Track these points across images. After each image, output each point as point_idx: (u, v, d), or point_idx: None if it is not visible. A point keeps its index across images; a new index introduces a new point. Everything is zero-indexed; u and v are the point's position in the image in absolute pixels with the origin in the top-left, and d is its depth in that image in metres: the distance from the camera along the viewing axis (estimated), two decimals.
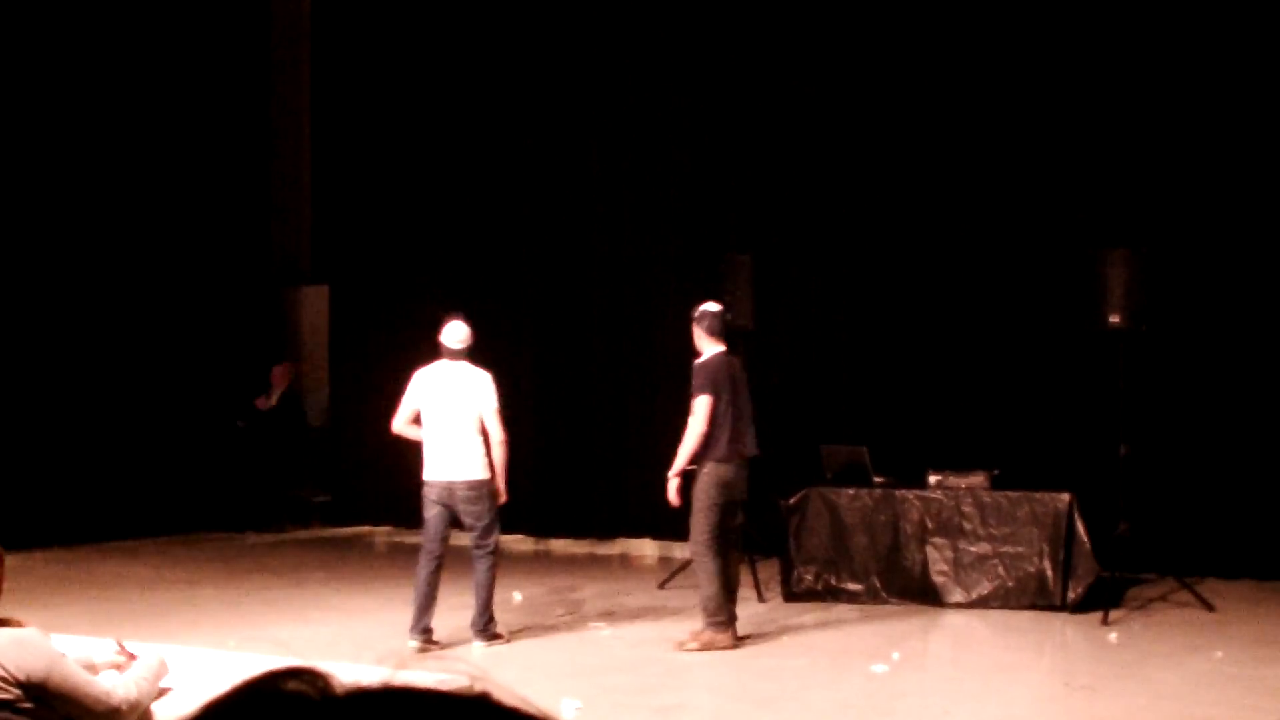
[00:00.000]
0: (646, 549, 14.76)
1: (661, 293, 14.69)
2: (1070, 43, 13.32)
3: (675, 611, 11.25)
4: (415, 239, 16.65)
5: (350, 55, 17.26)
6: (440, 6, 16.53)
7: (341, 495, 17.13)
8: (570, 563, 14.50)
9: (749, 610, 11.38)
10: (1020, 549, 11.43)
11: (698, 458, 10.11)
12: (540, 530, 15.59)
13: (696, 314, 10.39)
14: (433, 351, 10.26)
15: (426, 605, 10.08)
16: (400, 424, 10.29)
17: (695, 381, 10.18)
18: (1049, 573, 11.34)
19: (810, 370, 14.25)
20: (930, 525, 11.85)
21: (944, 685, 9.30)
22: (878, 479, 11.99)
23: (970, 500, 11.66)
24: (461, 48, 16.32)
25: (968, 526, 11.55)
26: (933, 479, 11.97)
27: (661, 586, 12.52)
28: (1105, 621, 10.93)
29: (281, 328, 17.91)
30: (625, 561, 14.65)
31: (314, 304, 17.82)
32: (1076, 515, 11.50)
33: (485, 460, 10.11)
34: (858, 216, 14.16)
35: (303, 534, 16.44)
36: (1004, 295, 13.30)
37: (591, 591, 12.56)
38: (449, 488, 10.06)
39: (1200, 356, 12.75)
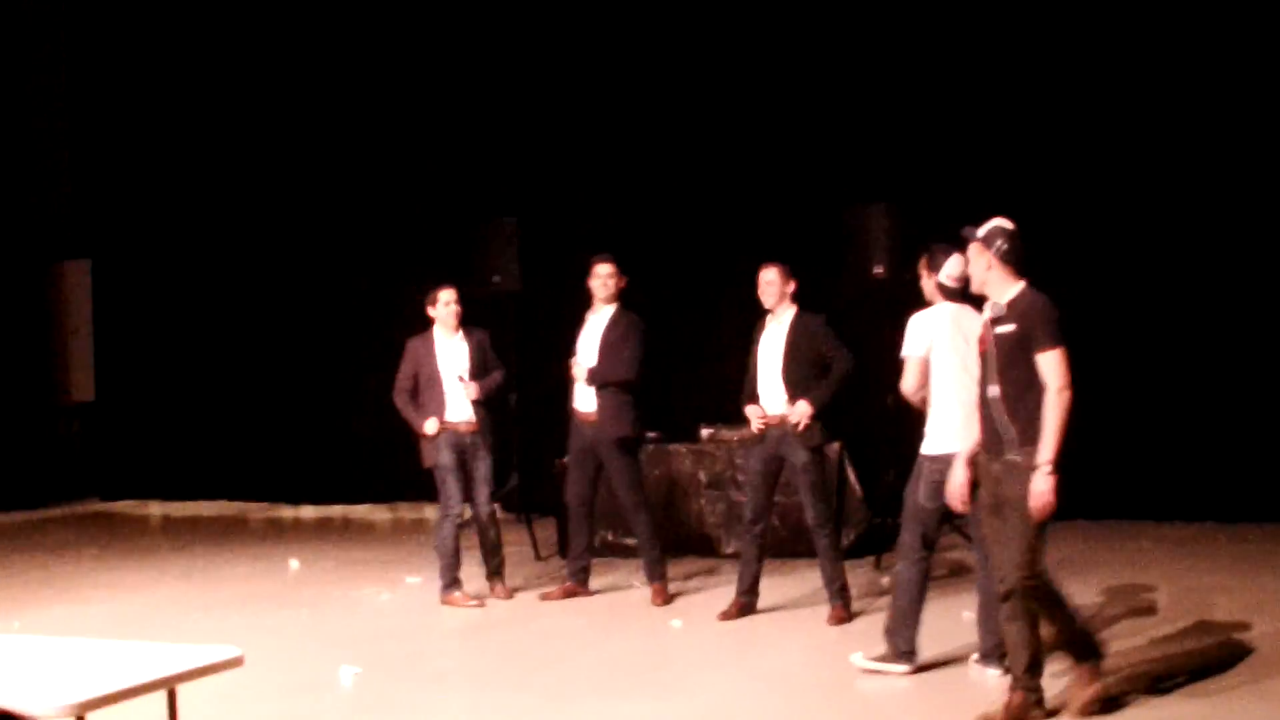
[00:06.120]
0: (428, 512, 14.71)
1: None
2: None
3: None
4: (181, 213, 16.50)
5: (109, 22, 16.97)
6: None
7: (112, 470, 16.78)
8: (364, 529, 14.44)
9: (526, 569, 11.46)
10: (793, 499, 11.53)
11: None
12: (324, 498, 15.68)
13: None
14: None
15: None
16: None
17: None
18: None
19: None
20: (703, 478, 11.98)
21: (719, 639, 9.36)
22: (650, 434, 12.02)
23: (742, 452, 11.73)
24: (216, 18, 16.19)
25: (740, 478, 11.45)
26: (705, 432, 12.11)
27: None
28: (878, 566, 11.18)
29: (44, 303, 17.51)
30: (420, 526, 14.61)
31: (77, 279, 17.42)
32: (847, 464, 11.71)
33: None
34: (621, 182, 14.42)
35: (73, 509, 16.15)
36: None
37: (370, 556, 12.51)
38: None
39: None
